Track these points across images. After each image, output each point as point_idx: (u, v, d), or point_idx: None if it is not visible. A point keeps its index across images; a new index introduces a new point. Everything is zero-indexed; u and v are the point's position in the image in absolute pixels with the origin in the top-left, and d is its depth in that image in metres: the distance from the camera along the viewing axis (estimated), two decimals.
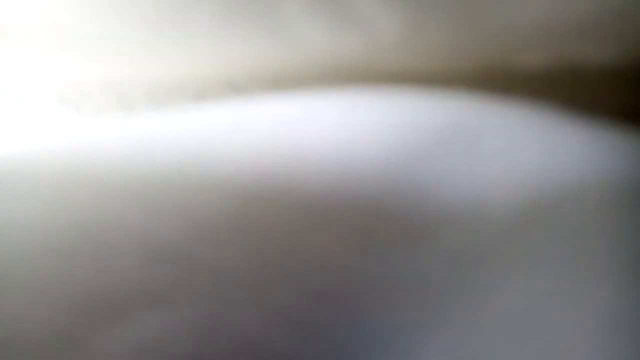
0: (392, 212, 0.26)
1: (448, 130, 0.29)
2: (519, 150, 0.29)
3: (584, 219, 0.27)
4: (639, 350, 0.26)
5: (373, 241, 0.26)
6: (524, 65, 0.36)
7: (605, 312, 0.26)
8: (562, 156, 0.29)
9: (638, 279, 0.27)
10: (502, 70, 0.36)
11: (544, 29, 0.35)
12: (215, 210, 0.27)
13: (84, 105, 0.34)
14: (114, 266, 0.25)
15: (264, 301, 0.25)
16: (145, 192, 0.27)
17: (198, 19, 0.34)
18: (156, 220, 0.26)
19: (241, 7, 0.34)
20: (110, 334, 0.25)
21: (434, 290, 0.25)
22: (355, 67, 0.35)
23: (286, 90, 0.35)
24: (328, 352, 0.25)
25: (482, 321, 0.25)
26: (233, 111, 0.30)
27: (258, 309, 0.25)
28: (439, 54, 0.35)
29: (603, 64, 0.36)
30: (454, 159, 0.28)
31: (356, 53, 0.35)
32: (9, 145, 0.30)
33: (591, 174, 0.28)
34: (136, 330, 0.25)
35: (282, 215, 0.26)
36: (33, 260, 0.26)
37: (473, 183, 0.27)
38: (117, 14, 0.34)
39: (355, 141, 0.28)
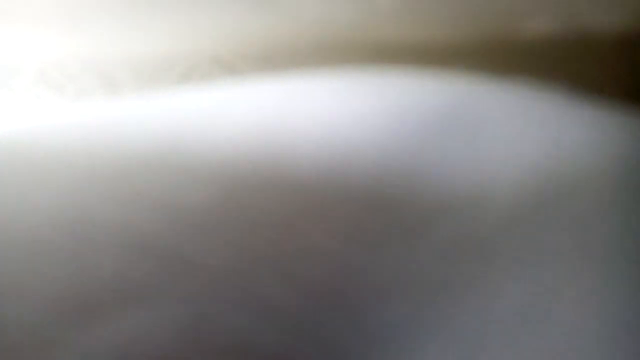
0: (387, 202, 0.25)
1: (446, 115, 0.27)
2: (521, 136, 0.27)
3: (587, 209, 0.26)
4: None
5: (367, 233, 0.25)
6: (530, 32, 0.34)
7: (609, 307, 0.25)
8: (565, 142, 0.28)
9: None
10: (506, 38, 0.34)
11: None
12: (199, 201, 0.26)
13: (66, 86, 0.33)
14: (91, 262, 0.25)
15: (252, 297, 0.25)
16: (125, 183, 0.26)
17: None
18: (136, 212, 0.25)
19: None
20: (88, 333, 0.24)
21: (431, 284, 0.24)
22: (350, 39, 0.34)
23: (278, 65, 0.33)
24: (320, 350, 0.24)
25: (481, 316, 0.24)
26: (220, 95, 0.29)
27: (245, 306, 0.24)
28: (439, 22, 0.34)
29: (613, 29, 0.35)
30: (452, 146, 0.27)
31: (351, 24, 0.34)
32: None
33: (595, 161, 0.27)
34: (115, 329, 0.24)
35: (271, 206, 0.25)
36: (8, 256, 0.25)
37: (472, 171, 0.26)
38: None
39: (348, 127, 0.27)
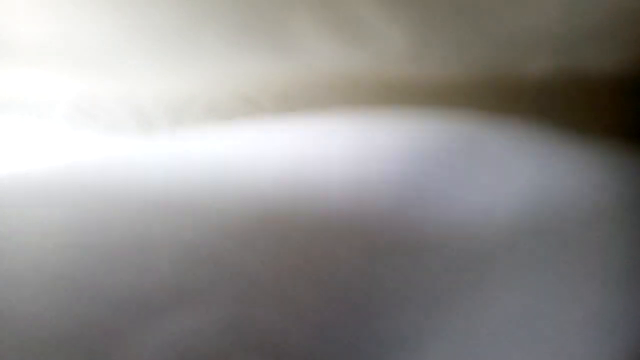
0: (400, 225, 0.28)
1: (452, 152, 0.31)
2: (518, 172, 0.31)
3: (578, 231, 0.30)
4: (631, 353, 0.28)
5: (382, 249, 0.28)
6: (531, 74, 0.36)
7: (599, 315, 0.28)
8: (558, 175, 0.31)
9: (629, 285, 0.30)
10: (509, 79, 0.36)
11: (551, 36, 0.36)
12: (240, 221, 0.28)
13: (99, 120, 0.35)
14: (150, 269, 0.28)
15: (284, 303, 0.27)
16: (176, 206, 0.29)
17: (208, 37, 0.35)
18: (188, 230, 0.28)
19: (249, 25, 0.35)
20: (146, 330, 0.27)
21: (438, 295, 0.27)
22: (363, 81, 0.36)
23: (296, 104, 0.36)
24: (341, 350, 0.26)
25: (484, 324, 0.27)
26: (253, 132, 0.32)
27: (278, 310, 0.27)
28: (446, 65, 0.36)
29: (612, 72, 0.36)
30: (457, 179, 0.30)
31: (364, 67, 0.36)
32: (31, 162, 0.31)
33: (585, 193, 0.31)
34: (169, 327, 0.27)
35: (301, 226, 0.28)
36: (79, 263, 0.28)
37: (475, 199, 0.29)
38: (130, 29, 0.35)
39: (366, 162, 0.30)
